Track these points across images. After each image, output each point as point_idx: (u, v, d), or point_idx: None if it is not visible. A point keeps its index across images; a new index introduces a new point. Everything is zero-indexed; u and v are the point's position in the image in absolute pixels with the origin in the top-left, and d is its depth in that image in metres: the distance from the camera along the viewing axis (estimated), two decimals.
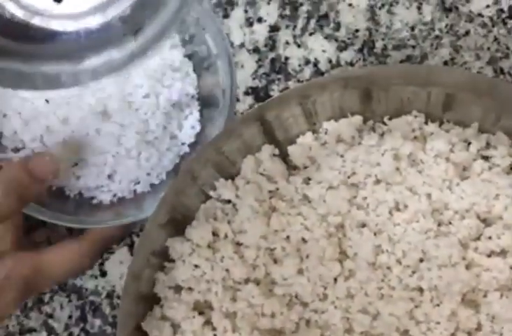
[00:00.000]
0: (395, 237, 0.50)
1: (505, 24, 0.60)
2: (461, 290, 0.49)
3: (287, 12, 0.61)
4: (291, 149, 0.54)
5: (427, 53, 0.60)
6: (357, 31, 0.61)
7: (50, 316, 0.60)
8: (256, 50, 0.61)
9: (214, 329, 0.50)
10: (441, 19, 0.61)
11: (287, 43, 0.61)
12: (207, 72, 0.58)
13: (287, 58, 0.61)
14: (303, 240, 0.51)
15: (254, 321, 0.50)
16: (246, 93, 0.61)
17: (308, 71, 0.61)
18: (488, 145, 0.53)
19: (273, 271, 0.51)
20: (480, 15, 0.61)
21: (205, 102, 0.58)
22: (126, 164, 0.56)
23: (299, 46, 0.61)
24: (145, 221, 0.52)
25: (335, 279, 0.50)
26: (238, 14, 0.62)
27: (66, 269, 0.52)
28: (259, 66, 0.61)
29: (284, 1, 0.62)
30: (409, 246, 0.50)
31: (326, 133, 0.53)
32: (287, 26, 0.61)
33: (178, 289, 0.51)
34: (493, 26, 0.60)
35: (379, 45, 0.61)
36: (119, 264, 0.60)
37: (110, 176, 0.57)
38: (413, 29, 0.61)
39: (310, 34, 0.61)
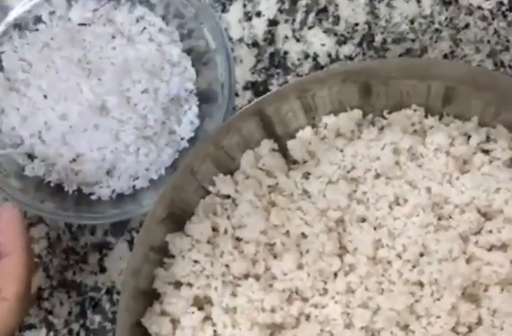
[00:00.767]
0: (395, 231, 0.50)
1: (505, 16, 0.60)
2: (462, 284, 0.49)
3: (286, 6, 0.61)
4: (290, 143, 0.53)
5: (426, 46, 0.60)
6: (356, 24, 0.61)
7: (50, 312, 0.60)
8: (255, 44, 0.61)
9: (214, 324, 0.50)
10: (441, 13, 0.60)
11: (286, 37, 0.61)
12: (205, 67, 0.57)
13: (286, 52, 0.61)
14: (303, 235, 0.51)
15: (254, 316, 0.49)
16: (245, 88, 0.61)
17: (307, 65, 0.61)
18: (488, 138, 0.53)
19: (272, 266, 0.51)
20: (479, 7, 0.60)
21: (204, 97, 0.58)
22: (125, 159, 0.56)
23: (298, 40, 0.61)
24: (144, 217, 0.52)
25: (335, 274, 0.50)
26: (236, 8, 0.61)
27: None
28: (258, 61, 0.61)
29: None
30: (409, 241, 0.50)
31: (325, 127, 0.53)
32: (286, 21, 0.61)
33: (177, 285, 0.51)
34: (493, 19, 0.60)
35: (378, 38, 0.60)
36: (118, 260, 0.60)
37: (109, 172, 0.57)
38: (412, 22, 0.60)
39: (309, 28, 0.61)
